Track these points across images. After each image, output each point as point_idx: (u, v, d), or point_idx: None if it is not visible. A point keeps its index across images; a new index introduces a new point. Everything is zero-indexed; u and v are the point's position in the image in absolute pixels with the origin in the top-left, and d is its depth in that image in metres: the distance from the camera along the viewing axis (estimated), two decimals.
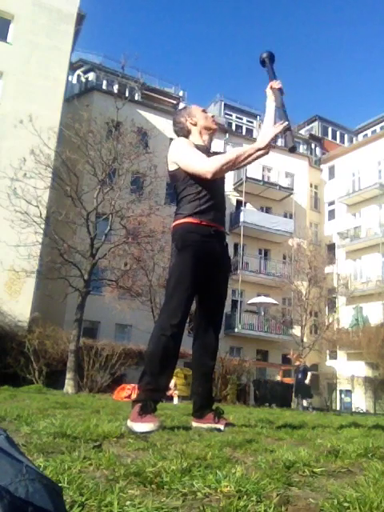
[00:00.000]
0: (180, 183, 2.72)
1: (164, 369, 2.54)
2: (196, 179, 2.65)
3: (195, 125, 2.93)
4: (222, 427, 2.60)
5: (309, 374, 12.79)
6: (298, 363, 12.93)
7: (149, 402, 2.42)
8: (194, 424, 2.71)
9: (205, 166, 2.58)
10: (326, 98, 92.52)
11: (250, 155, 2.61)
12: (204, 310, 2.81)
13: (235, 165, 2.62)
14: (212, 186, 2.70)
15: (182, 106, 26.84)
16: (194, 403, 2.82)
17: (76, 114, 12.90)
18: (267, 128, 2.71)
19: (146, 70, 44.53)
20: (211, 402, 2.86)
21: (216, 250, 2.72)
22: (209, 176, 2.58)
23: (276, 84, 2.85)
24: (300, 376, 12.54)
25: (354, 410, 19.22)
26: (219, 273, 2.80)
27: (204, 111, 3.02)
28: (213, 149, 3.03)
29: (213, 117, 3.05)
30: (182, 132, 2.94)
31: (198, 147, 2.81)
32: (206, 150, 2.86)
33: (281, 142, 29.68)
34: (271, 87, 2.85)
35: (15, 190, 10.95)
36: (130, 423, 2.32)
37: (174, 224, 2.72)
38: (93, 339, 14.43)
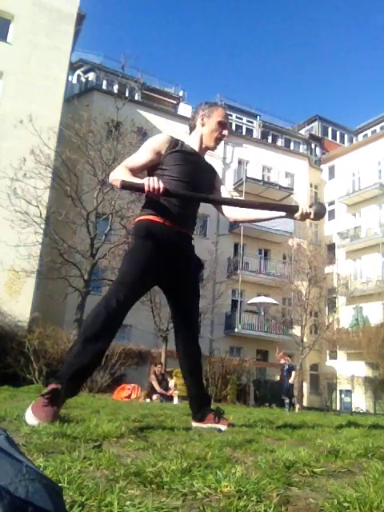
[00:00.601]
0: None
1: (100, 339, 2.31)
2: (164, 178, 2.52)
3: (203, 126, 2.76)
4: (222, 427, 2.60)
5: (293, 373, 12.56)
6: (283, 361, 12.65)
7: (67, 389, 2.22)
8: (194, 424, 2.71)
9: (114, 170, 2.55)
10: (326, 98, 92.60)
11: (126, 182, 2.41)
12: (180, 312, 2.71)
13: (118, 186, 2.43)
14: (181, 182, 2.57)
15: (181, 106, 26.85)
16: (192, 406, 2.79)
17: (76, 114, 12.91)
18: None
19: (146, 70, 44.60)
20: (208, 401, 2.84)
21: (180, 250, 2.58)
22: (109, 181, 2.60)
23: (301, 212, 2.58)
24: (285, 375, 12.30)
25: (354, 410, 19.20)
26: (186, 273, 2.65)
27: (221, 125, 2.76)
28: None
29: (222, 137, 2.79)
30: (191, 123, 2.82)
31: (184, 148, 2.65)
32: (191, 154, 2.67)
33: (281, 142, 29.72)
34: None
35: (15, 190, 10.96)
36: (29, 407, 2.15)
37: (136, 219, 2.63)
38: None
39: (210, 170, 2.85)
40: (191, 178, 2.62)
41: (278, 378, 13.53)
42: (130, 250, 2.58)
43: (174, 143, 2.65)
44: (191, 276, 2.71)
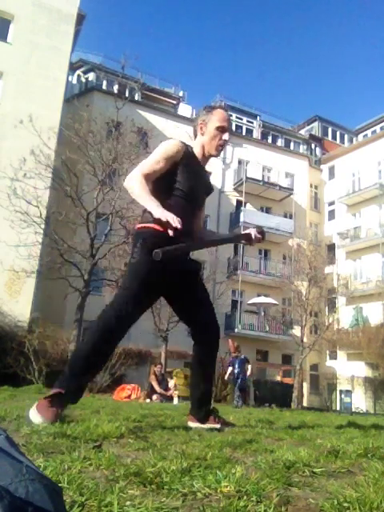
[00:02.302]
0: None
1: (101, 351, 2.40)
2: (174, 192, 2.55)
3: (202, 135, 2.70)
4: (218, 426, 2.62)
5: (249, 366, 11.77)
6: (236, 354, 11.74)
7: (68, 395, 2.28)
8: (193, 424, 2.71)
9: (129, 176, 2.51)
10: (326, 97, 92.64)
11: (144, 204, 2.41)
12: (191, 315, 2.73)
13: (133, 197, 2.47)
14: (185, 197, 2.58)
15: (181, 106, 26.82)
16: (193, 405, 2.79)
17: (76, 114, 12.90)
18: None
19: (146, 70, 44.60)
20: (210, 402, 2.84)
21: (182, 262, 2.58)
22: (124, 184, 2.55)
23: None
24: (238, 368, 11.34)
25: (354, 410, 19.20)
26: (189, 278, 2.65)
27: (221, 129, 2.67)
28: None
29: (223, 143, 2.70)
30: (194, 130, 2.77)
31: (193, 160, 2.64)
32: (198, 168, 2.69)
33: (281, 142, 29.71)
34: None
35: (15, 190, 10.95)
36: (33, 406, 2.21)
37: (138, 226, 2.60)
38: None
39: (209, 186, 2.85)
40: (195, 193, 2.65)
41: (278, 377, 13.27)
42: (133, 264, 2.52)
43: (187, 154, 2.61)
44: (192, 279, 2.70)
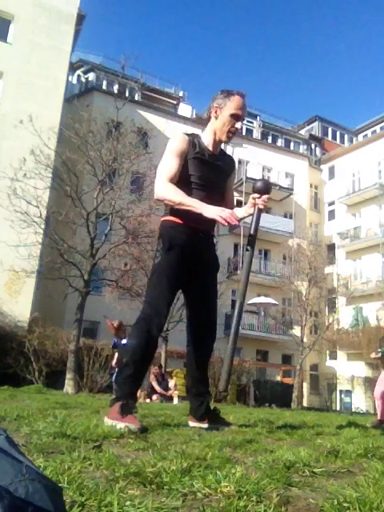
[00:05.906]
0: None
1: (145, 362, 2.55)
2: (182, 181, 2.58)
3: (216, 119, 2.67)
4: (208, 426, 2.64)
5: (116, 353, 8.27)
6: (119, 336, 8.06)
7: (130, 401, 2.38)
8: (192, 423, 2.71)
9: (157, 187, 2.56)
10: (326, 98, 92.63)
11: (190, 209, 2.49)
12: (193, 311, 2.78)
13: (175, 206, 2.53)
14: (200, 187, 2.64)
15: (181, 106, 26.81)
16: (192, 404, 2.80)
17: (76, 114, 12.90)
18: (227, 210, 2.47)
19: (146, 70, 44.52)
20: (208, 401, 2.84)
21: (202, 251, 2.69)
22: (155, 197, 2.62)
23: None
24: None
25: (354, 410, 19.21)
26: (205, 273, 2.75)
27: (235, 117, 2.63)
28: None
29: (234, 131, 2.68)
30: (206, 114, 2.77)
31: (201, 150, 2.64)
32: (208, 156, 2.67)
33: (281, 142, 29.70)
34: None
35: (15, 190, 10.95)
36: (109, 421, 2.27)
37: (162, 220, 2.70)
38: (93, 339, 14.43)
39: (225, 168, 2.79)
40: (209, 182, 2.66)
41: (278, 378, 13.17)
42: (159, 264, 2.64)
43: (193, 144, 2.63)
44: (209, 279, 2.78)
